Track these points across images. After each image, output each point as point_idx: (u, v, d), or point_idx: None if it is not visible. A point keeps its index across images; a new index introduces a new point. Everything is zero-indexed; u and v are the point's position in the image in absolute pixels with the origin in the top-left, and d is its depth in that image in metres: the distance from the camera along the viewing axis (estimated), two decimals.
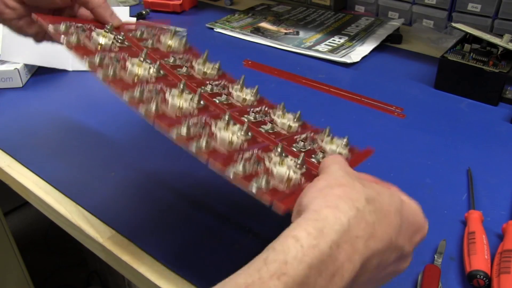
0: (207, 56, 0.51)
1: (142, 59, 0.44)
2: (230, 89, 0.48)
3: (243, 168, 0.35)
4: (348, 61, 0.84)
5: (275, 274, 0.25)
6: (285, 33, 0.97)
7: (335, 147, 0.43)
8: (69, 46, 0.42)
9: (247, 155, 0.37)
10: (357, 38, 0.93)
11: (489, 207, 0.51)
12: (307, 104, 0.73)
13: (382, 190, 0.32)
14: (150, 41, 0.50)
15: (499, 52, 0.73)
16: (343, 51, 0.88)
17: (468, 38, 0.79)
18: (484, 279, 0.41)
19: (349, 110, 0.72)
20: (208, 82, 0.47)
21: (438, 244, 0.46)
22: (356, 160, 0.43)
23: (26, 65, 0.80)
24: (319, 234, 0.27)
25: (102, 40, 0.45)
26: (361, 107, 0.72)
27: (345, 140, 0.44)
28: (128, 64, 0.42)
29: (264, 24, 1.03)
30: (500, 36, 0.75)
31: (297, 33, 0.97)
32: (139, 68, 0.42)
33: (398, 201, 0.32)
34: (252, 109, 0.45)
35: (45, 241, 1.40)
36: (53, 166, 0.59)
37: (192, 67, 0.49)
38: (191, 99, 0.41)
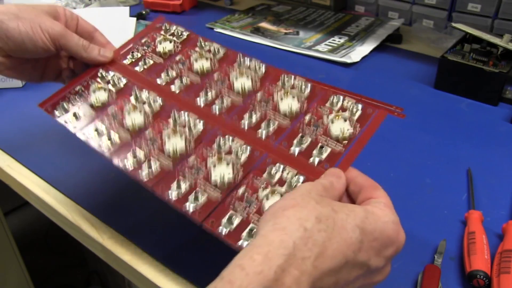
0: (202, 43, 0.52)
1: (135, 98, 0.46)
2: (230, 78, 0.47)
3: (240, 216, 0.37)
4: (348, 61, 0.84)
5: None
6: (285, 33, 0.97)
7: (341, 123, 0.41)
8: (75, 132, 0.45)
9: (240, 192, 0.38)
10: (357, 38, 0.93)
11: (489, 207, 0.51)
12: None
13: (340, 208, 0.32)
14: (145, 60, 0.51)
15: (499, 52, 0.73)
16: (343, 51, 0.88)
17: (468, 38, 0.79)
18: (484, 279, 0.41)
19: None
20: (206, 85, 0.47)
21: (438, 244, 0.46)
22: (367, 135, 0.41)
23: None
24: (264, 260, 0.27)
25: (99, 99, 0.47)
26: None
27: (353, 105, 0.43)
28: (125, 114, 0.45)
29: (264, 24, 1.03)
30: (500, 36, 0.75)
31: (297, 33, 0.97)
32: (134, 115, 0.45)
33: (360, 217, 0.31)
34: (253, 101, 0.45)
35: (45, 241, 1.40)
36: (53, 166, 0.59)
37: (190, 67, 0.49)
38: (186, 129, 0.43)
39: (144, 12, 1.08)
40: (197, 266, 0.45)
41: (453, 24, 0.78)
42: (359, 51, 0.88)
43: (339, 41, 0.92)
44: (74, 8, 0.98)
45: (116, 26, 0.86)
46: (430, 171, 0.58)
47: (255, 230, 0.32)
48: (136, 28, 0.93)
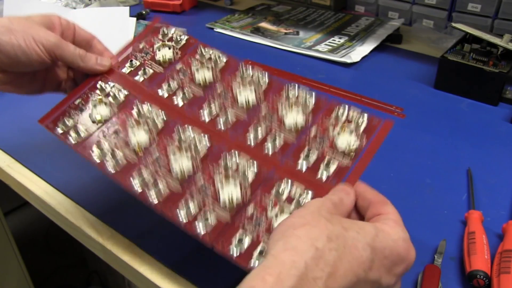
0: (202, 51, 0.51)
1: (137, 114, 0.46)
2: (234, 90, 0.47)
3: (249, 236, 0.37)
4: (348, 61, 0.84)
5: None
6: (285, 33, 0.97)
7: (347, 136, 0.41)
8: (76, 148, 0.44)
9: (249, 212, 0.38)
10: (357, 38, 0.93)
11: (489, 207, 0.51)
12: None
13: (351, 225, 0.32)
14: (144, 70, 0.50)
15: (499, 52, 0.73)
16: (343, 51, 0.88)
17: (468, 38, 0.79)
18: (484, 279, 0.41)
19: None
20: (208, 98, 0.46)
21: (438, 244, 0.46)
22: (374, 147, 0.41)
23: None
24: (276, 282, 0.27)
25: (100, 115, 0.46)
26: (361, 107, 0.72)
27: (358, 116, 0.42)
28: (129, 131, 0.44)
29: (264, 24, 1.03)
30: (500, 36, 0.75)
31: (297, 33, 0.97)
32: (138, 133, 0.44)
33: (370, 235, 0.31)
34: (258, 116, 0.44)
35: (45, 241, 1.40)
36: (53, 166, 0.59)
37: (192, 77, 0.49)
38: (192, 148, 0.42)
39: (144, 12, 1.08)
40: (197, 266, 0.45)
41: (453, 24, 0.78)
42: (359, 51, 0.88)
43: (339, 41, 0.92)
44: (74, 8, 0.98)
45: (116, 26, 0.86)
46: (430, 171, 0.58)
47: (265, 249, 0.32)
48: (136, 28, 0.93)
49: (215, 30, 1.01)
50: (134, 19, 0.88)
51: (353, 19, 1.04)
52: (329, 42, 0.92)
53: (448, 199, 0.53)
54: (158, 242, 0.48)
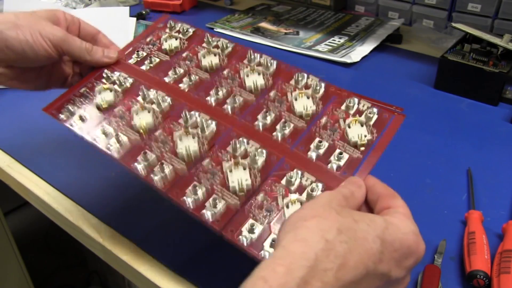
0: (209, 39, 0.51)
1: (143, 98, 0.45)
2: (241, 74, 0.46)
3: (260, 225, 0.36)
4: (348, 61, 0.84)
5: None
6: (285, 33, 0.97)
7: (358, 128, 0.41)
8: (81, 134, 0.43)
9: (259, 199, 0.38)
10: (357, 38, 0.93)
11: (489, 207, 0.51)
12: None
13: (361, 218, 0.32)
14: (150, 59, 0.50)
15: (499, 52, 0.73)
16: (343, 51, 0.88)
17: (468, 38, 0.79)
18: (484, 279, 0.41)
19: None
20: (216, 83, 0.46)
21: (438, 244, 0.46)
22: (385, 140, 0.41)
23: None
24: (287, 272, 0.27)
25: (105, 100, 0.46)
26: None
27: (369, 109, 0.42)
28: (133, 114, 0.44)
29: (264, 24, 1.03)
30: (500, 36, 0.75)
31: (297, 33, 0.97)
32: (142, 114, 0.43)
33: (380, 228, 0.31)
34: (266, 100, 0.44)
35: (45, 241, 1.40)
36: (53, 166, 0.59)
37: (198, 64, 0.48)
38: (198, 129, 0.42)
39: (144, 12, 1.08)
40: (197, 266, 0.45)
41: (453, 24, 0.78)
42: (359, 51, 0.88)
43: (339, 41, 0.92)
44: (74, 8, 0.98)
45: (116, 26, 0.86)
46: (430, 171, 0.58)
47: (276, 240, 0.32)
48: (136, 28, 0.93)
49: (215, 30, 1.01)
50: (134, 19, 0.88)
51: (353, 19, 1.04)
52: (329, 42, 0.92)
53: (448, 199, 0.53)
54: (158, 242, 0.48)
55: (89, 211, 0.52)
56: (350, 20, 1.03)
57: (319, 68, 0.84)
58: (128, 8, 0.89)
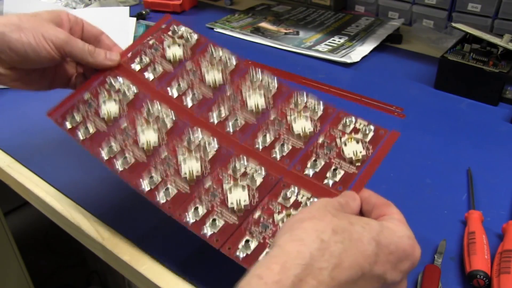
0: (212, 51, 0.51)
1: (147, 113, 0.46)
2: (243, 94, 0.47)
3: (256, 241, 0.38)
4: (348, 61, 0.84)
5: None
6: (285, 33, 0.97)
7: (354, 145, 0.42)
8: (86, 144, 0.45)
9: (256, 216, 0.39)
10: (357, 38, 0.93)
11: (489, 207, 0.51)
12: None
13: (357, 221, 0.32)
14: (154, 69, 0.50)
15: (499, 52, 0.73)
16: (343, 51, 0.88)
17: (468, 38, 0.79)
18: (484, 279, 0.41)
19: (349, 110, 0.72)
20: (218, 100, 0.47)
21: (438, 244, 0.46)
22: (380, 156, 0.42)
23: None
24: (282, 270, 0.27)
25: (110, 112, 0.46)
26: (361, 107, 0.72)
27: (365, 127, 0.43)
28: (139, 131, 0.45)
29: (264, 24, 1.03)
30: (500, 36, 0.75)
31: (297, 33, 0.97)
32: (148, 133, 0.45)
33: (375, 230, 0.32)
34: (266, 121, 0.45)
35: (45, 241, 1.40)
36: (53, 166, 0.59)
37: (202, 78, 0.49)
38: (201, 152, 0.43)
39: (144, 12, 1.08)
40: (197, 266, 0.45)
41: (453, 24, 0.78)
42: (359, 51, 0.88)
43: (339, 41, 0.92)
44: (74, 8, 0.98)
45: (116, 26, 0.86)
46: (430, 171, 0.58)
47: (272, 242, 0.34)
48: (136, 28, 0.93)
49: (215, 30, 1.01)
50: (134, 19, 0.88)
51: (353, 19, 1.04)
52: (329, 42, 0.92)
53: (448, 199, 0.53)
54: (159, 242, 0.48)
55: (89, 211, 0.52)
56: (350, 20, 1.03)
57: (319, 68, 0.84)
58: (128, 8, 0.89)
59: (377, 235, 0.31)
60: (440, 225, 0.49)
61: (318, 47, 0.90)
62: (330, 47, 0.90)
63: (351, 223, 0.32)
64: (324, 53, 0.87)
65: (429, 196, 0.54)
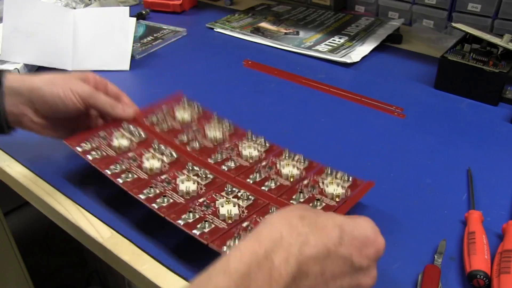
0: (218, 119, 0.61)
1: (154, 149, 0.54)
2: (240, 147, 0.55)
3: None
4: (348, 61, 0.84)
5: (221, 270, 0.31)
6: (285, 33, 0.97)
7: (335, 186, 0.48)
8: (94, 162, 0.51)
9: (244, 225, 0.44)
10: (357, 38, 0.93)
11: (489, 207, 0.51)
12: (307, 104, 0.73)
13: (322, 213, 0.37)
14: (164, 125, 0.59)
15: (499, 52, 0.73)
16: (343, 51, 0.88)
17: (468, 38, 0.79)
18: (484, 279, 0.41)
19: (349, 110, 0.72)
20: (217, 150, 0.55)
21: (438, 244, 0.46)
22: (357, 196, 0.48)
23: (26, 65, 0.80)
24: (255, 243, 0.33)
25: (121, 144, 0.54)
26: (361, 107, 0.72)
27: (345, 176, 0.50)
28: (144, 159, 0.52)
29: (264, 24, 1.03)
30: (500, 36, 0.75)
31: (297, 33, 0.97)
32: (152, 161, 0.52)
33: (339, 219, 0.36)
34: (258, 166, 0.52)
35: (45, 241, 1.40)
36: (53, 166, 0.59)
37: (204, 135, 0.58)
38: (198, 178, 0.50)
39: (144, 12, 1.08)
40: (197, 266, 0.45)
41: (453, 24, 0.78)
42: (359, 51, 0.88)
43: (339, 41, 0.92)
44: (74, 8, 0.98)
45: (116, 26, 0.86)
46: (430, 171, 0.58)
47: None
48: (136, 28, 0.93)
49: (215, 30, 1.01)
50: (134, 19, 0.88)
51: (353, 19, 1.04)
52: (329, 42, 0.92)
53: (448, 199, 0.53)
54: (158, 242, 0.48)
55: (89, 211, 0.52)
56: (350, 20, 1.03)
57: (319, 68, 0.85)
58: (128, 8, 0.89)
59: (340, 223, 0.35)
60: (440, 225, 0.49)
61: (318, 47, 0.90)
62: (330, 47, 0.90)
63: (317, 214, 0.36)
64: (324, 53, 0.87)
65: (429, 196, 0.54)
